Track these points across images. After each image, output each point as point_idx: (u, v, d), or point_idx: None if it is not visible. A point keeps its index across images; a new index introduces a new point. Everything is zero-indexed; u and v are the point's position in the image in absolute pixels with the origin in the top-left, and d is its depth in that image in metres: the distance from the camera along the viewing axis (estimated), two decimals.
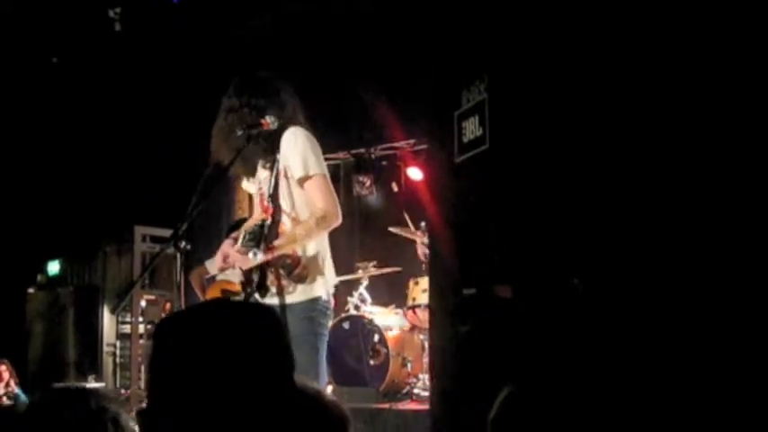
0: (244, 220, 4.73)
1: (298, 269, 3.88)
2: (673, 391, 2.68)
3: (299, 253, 3.93)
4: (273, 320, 1.81)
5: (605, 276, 2.90)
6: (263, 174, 4.13)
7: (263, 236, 3.69)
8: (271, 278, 3.90)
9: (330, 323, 4.05)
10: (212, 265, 7.08)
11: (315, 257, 3.96)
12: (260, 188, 4.16)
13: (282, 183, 3.96)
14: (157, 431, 1.65)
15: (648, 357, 2.78)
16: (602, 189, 2.94)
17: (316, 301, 3.94)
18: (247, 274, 3.98)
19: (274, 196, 3.94)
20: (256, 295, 3.93)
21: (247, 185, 4.37)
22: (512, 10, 3.53)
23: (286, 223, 3.95)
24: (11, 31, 8.27)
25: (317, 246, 3.99)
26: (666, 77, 2.76)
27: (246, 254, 3.80)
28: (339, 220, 3.95)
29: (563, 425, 1.99)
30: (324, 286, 3.98)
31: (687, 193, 2.68)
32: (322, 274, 3.98)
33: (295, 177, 3.93)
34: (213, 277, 7.16)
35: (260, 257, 3.74)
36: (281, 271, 3.87)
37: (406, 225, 7.63)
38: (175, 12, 8.01)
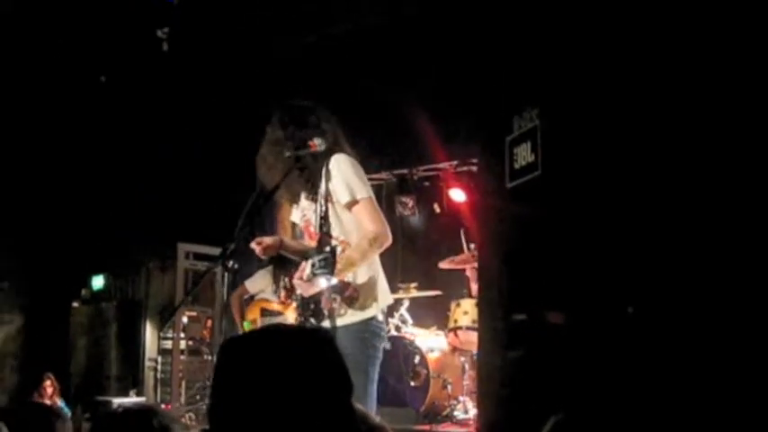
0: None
1: (348, 291, 3.91)
2: (723, 421, 2.67)
3: (350, 276, 3.95)
4: (331, 345, 1.84)
5: (660, 305, 2.89)
6: (306, 203, 4.18)
7: (334, 260, 3.71)
8: (323, 302, 3.92)
9: (383, 345, 4.05)
10: (252, 285, 7.15)
11: (365, 279, 3.98)
12: (304, 216, 4.20)
13: (330, 209, 4.00)
14: None
15: (702, 388, 2.76)
16: (657, 216, 2.94)
17: (368, 321, 3.96)
18: (304, 300, 4.00)
19: (323, 224, 3.97)
20: (312, 319, 3.96)
21: (294, 215, 4.41)
22: (563, 39, 3.55)
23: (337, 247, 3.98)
24: (62, 49, 8.42)
25: (368, 267, 4.02)
26: (729, 108, 2.76)
27: (318, 281, 3.83)
28: (390, 240, 3.98)
29: None
30: (376, 307, 4.00)
31: (747, 225, 2.67)
32: (374, 295, 4.00)
33: (342, 203, 3.97)
34: (252, 297, 7.23)
35: (334, 281, 3.76)
36: (333, 294, 3.89)
37: (452, 253, 7.60)
38: (220, 31, 8.11)
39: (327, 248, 3.72)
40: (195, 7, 7.90)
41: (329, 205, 4.01)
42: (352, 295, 3.92)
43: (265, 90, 8.33)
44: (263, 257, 4.38)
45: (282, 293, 7.15)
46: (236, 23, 8.01)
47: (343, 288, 3.90)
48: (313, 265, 3.73)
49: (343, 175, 3.98)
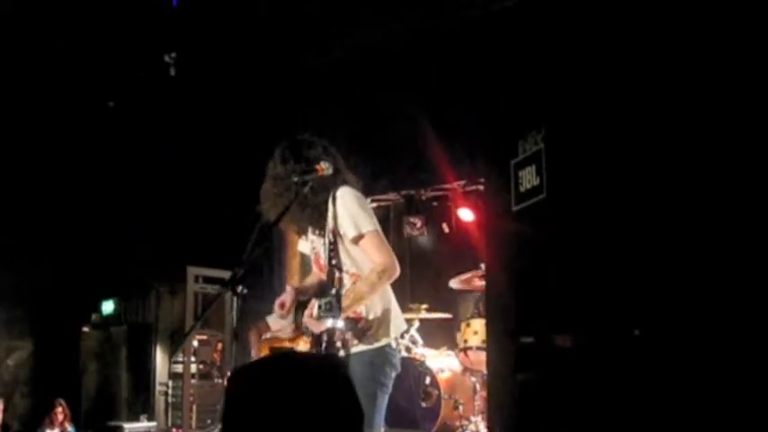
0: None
1: (361, 323, 3.94)
2: None
3: (362, 309, 3.98)
4: (343, 371, 1.85)
5: (667, 328, 2.89)
6: (313, 236, 4.20)
7: (339, 304, 3.76)
8: (336, 335, 3.94)
9: (394, 374, 4.05)
10: (274, 322, 7.11)
11: (378, 309, 4.00)
12: (314, 248, 4.23)
13: (339, 243, 4.02)
14: None
15: (708, 410, 2.76)
16: (663, 238, 2.94)
17: (381, 349, 3.97)
18: (315, 336, 4.03)
19: (332, 257, 4.00)
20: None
21: (302, 246, 4.43)
22: (567, 63, 3.56)
23: (346, 281, 4.00)
24: (71, 75, 8.48)
25: (380, 297, 4.03)
26: (729, 132, 2.76)
27: (324, 322, 3.86)
28: (398, 271, 3.99)
29: None
30: (389, 336, 4.01)
31: (754, 248, 2.66)
32: (387, 323, 4.01)
33: (348, 237, 3.98)
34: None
35: (340, 324, 3.80)
36: (345, 329, 3.92)
37: (461, 272, 7.60)
38: (228, 55, 8.16)
39: (332, 292, 3.77)
40: (201, 28, 7.97)
41: (337, 239, 4.04)
42: (363, 327, 3.94)
43: (275, 112, 8.38)
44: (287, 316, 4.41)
45: (293, 327, 7.13)
46: (243, 45, 8.07)
47: (354, 323, 3.93)
48: (319, 308, 3.77)
49: (348, 210, 3.99)
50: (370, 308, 4.00)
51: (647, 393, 2.90)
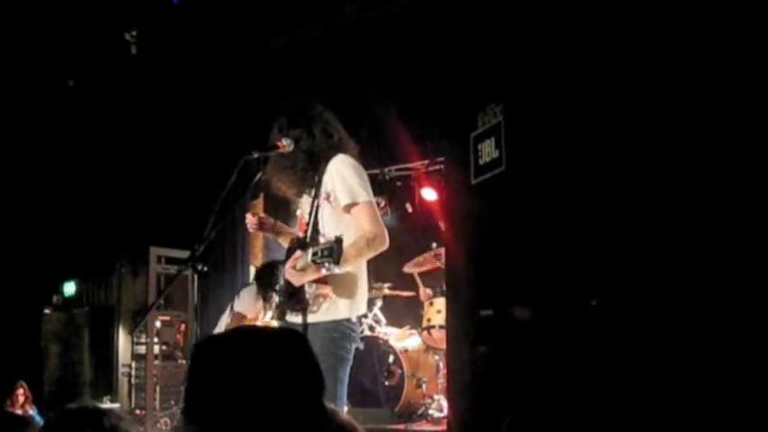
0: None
1: (320, 289, 3.91)
2: (687, 414, 2.68)
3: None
4: (304, 343, 1.86)
5: (624, 297, 2.91)
6: (306, 198, 4.19)
7: (340, 249, 3.66)
8: (308, 294, 3.93)
9: (354, 347, 4.04)
10: (241, 306, 7.04)
11: (342, 278, 3.96)
12: (300, 210, 4.22)
13: (326, 208, 4.00)
14: None
15: (665, 380, 2.78)
16: (620, 209, 2.96)
17: (339, 322, 3.96)
18: (287, 290, 3.99)
19: (315, 221, 3.99)
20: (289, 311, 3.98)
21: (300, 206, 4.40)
22: (526, 35, 3.56)
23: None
24: (28, 52, 8.35)
25: (353, 268, 4.01)
26: (689, 99, 2.78)
27: (304, 275, 3.82)
28: (386, 244, 3.98)
29: None
30: (350, 309, 3.99)
31: (707, 211, 2.69)
32: (350, 296, 4.00)
33: (341, 204, 3.97)
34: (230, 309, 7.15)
35: (336, 270, 3.71)
36: (306, 287, 3.90)
37: (423, 252, 7.62)
38: (191, 33, 8.08)
39: (333, 237, 3.69)
40: (164, 6, 7.88)
41: (326, 204, 4.02)
42: (321, 292, 3.92)
43: (237, 91, 8.32)
44: (252, 229, 4.40)
45: (276, 313, 7.10)
46: (208, 26, 7.99)
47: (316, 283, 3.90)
48: (315, 254, 3.67)
49: (343, 176, 3.99)
50: (340, 278, 3.97)
51: (604, 362, 2.93)
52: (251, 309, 6.96)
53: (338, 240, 3.64)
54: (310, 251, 3.73)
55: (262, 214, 4.26)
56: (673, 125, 2.78)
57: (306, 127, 4.11)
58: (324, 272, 3.73)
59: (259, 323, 6.82)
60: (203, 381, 1.73)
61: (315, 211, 4.04)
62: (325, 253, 3.64)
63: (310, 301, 3.92)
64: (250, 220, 4.34)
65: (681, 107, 2.76)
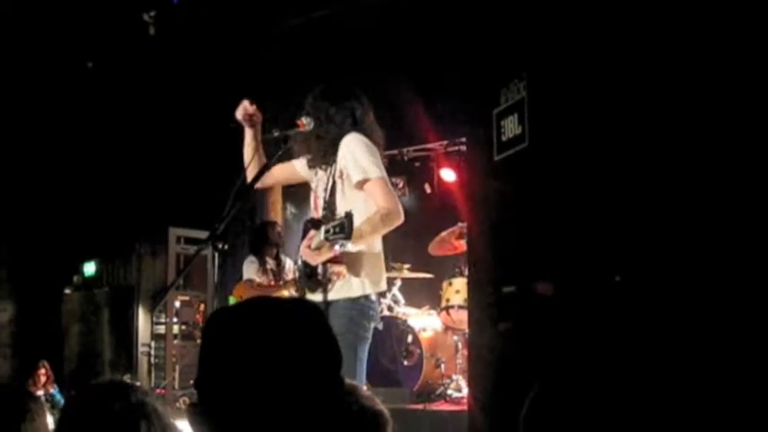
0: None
1: (333, 267, 3.91)
2: (707, 391, 2.67)
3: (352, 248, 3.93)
4: (320, 316, 1.82)
5: (648, 273, 2.90)
6: (321, 173, 4.19)
7: (351, 225, 3.65)
8: (328, 271, 3.93)
9: (373, 325, 4.04)
10: (249, 270, 7.11)
11: (356, 256, 3.96)
12: (315, 186, 4.22)
13: (339, 186, 4.01)
14: (207, 425, 1.66)
15: (689, 354, 2.77)
16: (644, 184, 2.93)
17: (356, 300, 3.95)
18: (305, 270, 4.00)
19: (329, 200, 3.99)
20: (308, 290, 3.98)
21: (303, 171, 4.39)
22: (549, 9, 3.53)
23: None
24: (48, 35, 8.37)
25: (370, 246, 4.01)
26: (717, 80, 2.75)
27: (321, 254, 3.82)
28: (401, 219, 3.98)
29: (590, 423, 1.99)
30: (363, 286, 3.99)
31: (732, 189, 2.66)
32: (364, 274, 3.99)
33: (353, 181, 3.97)
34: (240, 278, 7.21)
35: (349, 246, 3.71)
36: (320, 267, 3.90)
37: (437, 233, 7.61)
38: (212, 11, 8.07)
39: (343, 214, 3.69)
40: None
41: (339, 182, 4.03)
42: (337, 271, 3.92)
43: (256, 71, 8.30)
44: (239, 115, 4.33)
45: (270, 277, 7.14)
46: (223, 7, 7.98)
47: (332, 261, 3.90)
48: (327, 231, 3.67)
49: (353, 154, 3.99)
50: (354, 256, 3.97)
51: (627, 338, 2.92)
52: (250, 271, 7.06)
53: (348, 216, 3.63)
54: (323, 229, 3.73)
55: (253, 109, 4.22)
56: (698, 100, 2.76)
57: (337, 107, 4.11)
58: (337, 248, 3.73)
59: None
60: (215, 352, 1.70)
61: (329, 189, 4.04)
62: (337, 229, 3.64)
63: (327, 280, 3.93)
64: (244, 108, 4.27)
65: (705, 81, 2.74)
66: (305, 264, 4.01)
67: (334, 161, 4.08)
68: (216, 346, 1.73)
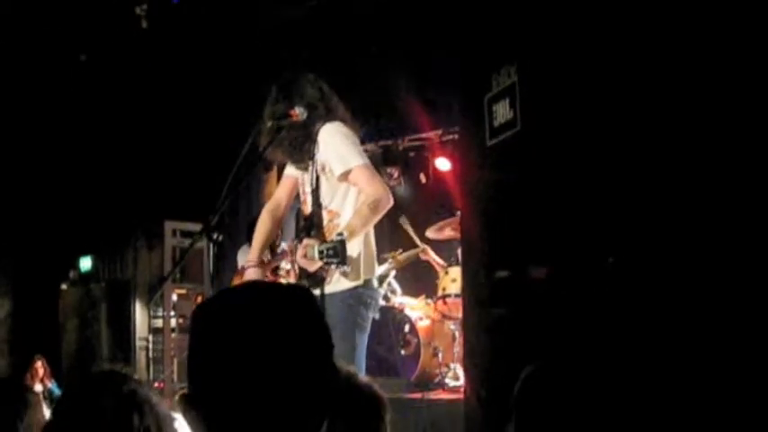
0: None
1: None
2: (700, 374, 2.67)
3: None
4: (310, 300, 1.81)
5: (641, 255, 2.90)
6: (303, 172, 4.20)
7: (344, 250, 3.65)
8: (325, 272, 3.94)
9: (372, 314, 4.04)
10: (245, 256, 7.10)
11: (351, 245, 3.96)
12: (303, 182, 4.22)
13: (323, 180, 4.00)
14: (199, 414, 1.65)
15: (682, 336, 2.77)
16: (636, 166, 2.93)
17: (354, 289, 3.96)
18: (302, 273, 4.01)
19: (316, 195, 3.99)
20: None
21: (295, 173, 4.39)
22: None
23: (324, 218, 3.99)
24: (40, 28, 8.35)
25: (358, 239, 4.01)
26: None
27: (328, 269, 3.82)
28: (391, 202, 3.97)
29: (583, 402, 1.99)
30: (356, 273, 3.98)
31: (725, 172, 2.66)
32: (362, 260, 3.99)
33: (335, 174, 3.95)
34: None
35: (347, 269, 3.71)
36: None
37: (438, 221, 7.59)
38: (200, 6, 8.06)
39: (335, 237, 3.69)
40: None
41: (321, 175, 4.02)
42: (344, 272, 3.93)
43: (249, 63, 8.28)
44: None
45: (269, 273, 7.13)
46: None
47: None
48: (321, 252, 3.67)
49: (334, 145, 3.97)
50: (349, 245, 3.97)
51: (621, 320, 2.92)
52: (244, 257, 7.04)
53: (341, 242, 3.63)
54: (317, 247, 3.72)
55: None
56: (689, 83, 2.76)
57: (301, 98, 4.08)
58: (340, 273, 3.76)
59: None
60: (204, 338, 1.69)
61: (314, 183, 4.03)
62: (331, 252, 3.65)
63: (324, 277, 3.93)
64: None
65: (696, 65, 2.74)
66: (301, 268, 4.01)
67: (315, 155, 4.06)
68: (205, 332, 1.72)
